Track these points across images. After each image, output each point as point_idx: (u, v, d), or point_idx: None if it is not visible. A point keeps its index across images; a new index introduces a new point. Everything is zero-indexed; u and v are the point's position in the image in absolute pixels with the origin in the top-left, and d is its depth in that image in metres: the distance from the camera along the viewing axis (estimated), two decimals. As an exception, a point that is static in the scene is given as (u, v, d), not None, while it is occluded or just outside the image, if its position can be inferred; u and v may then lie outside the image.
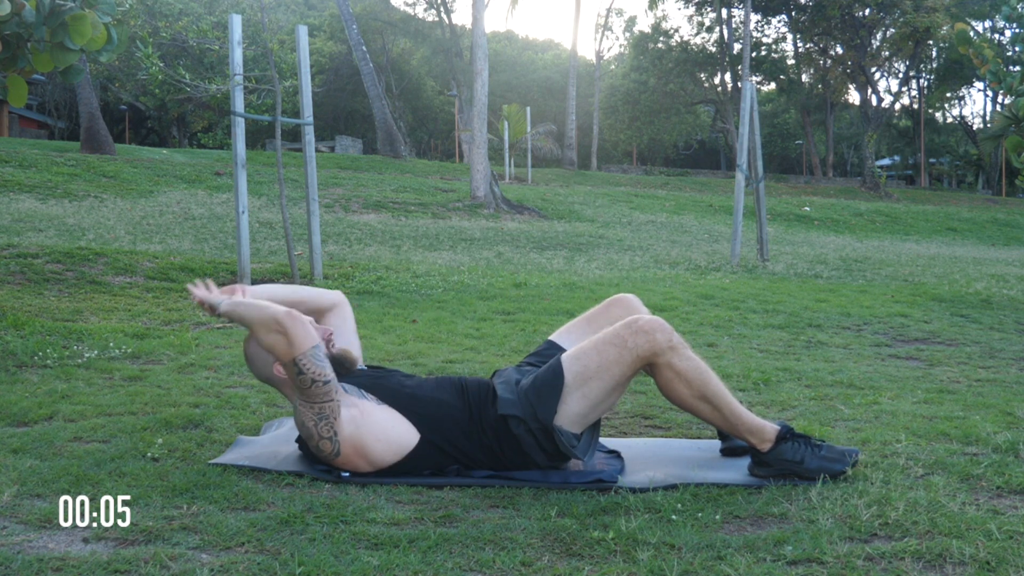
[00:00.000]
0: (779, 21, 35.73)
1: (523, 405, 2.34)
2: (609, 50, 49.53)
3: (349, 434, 2.31)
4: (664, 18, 62.16)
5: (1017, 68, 7.58)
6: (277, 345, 2.27)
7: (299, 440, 2.45)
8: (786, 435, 2.34)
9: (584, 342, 2.42)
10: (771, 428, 2.36)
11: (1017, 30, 7.77)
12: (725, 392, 2.35)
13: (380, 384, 2.46)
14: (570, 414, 2.32)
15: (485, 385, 2.48)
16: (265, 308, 2.31)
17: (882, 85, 41.91)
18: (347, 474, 2.38)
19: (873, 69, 32.06)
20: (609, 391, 2.34)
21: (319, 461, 2.37)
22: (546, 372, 2.37)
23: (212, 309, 2.40)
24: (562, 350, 2.57)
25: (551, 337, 2.72)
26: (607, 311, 2.67)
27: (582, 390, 2.32)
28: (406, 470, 2.36)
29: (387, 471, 2.36)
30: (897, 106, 37.52)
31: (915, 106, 39.17)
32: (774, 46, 36.13)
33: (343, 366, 2.47)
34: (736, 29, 34.24)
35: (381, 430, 2.34)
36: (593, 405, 2.34)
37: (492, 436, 2.37)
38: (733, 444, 2.58)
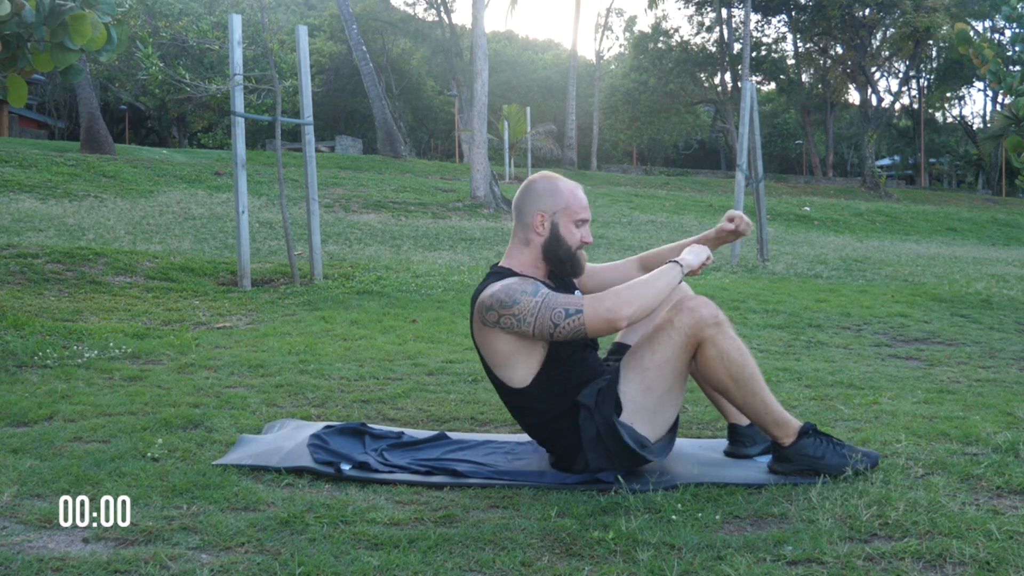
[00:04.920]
0: (779, 21, 35.75)
1: (595, 400, 2.37)
2: (609, 50, 49.53)
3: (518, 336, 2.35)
4: (664, 18, 62.25)
5: (1017, 68, 7.58)
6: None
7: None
8: (808, 431, 2.37)
9: (638, 339, 2.48)
10: (795, 424, 2.39)
11: (1017, 30, 7.77)
12: (760, 379, 2.38)
13: (593, 348, 2.54)
14: (636, 410, 2.34)
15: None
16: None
17: (882, 85, 41.89)
18: (348, 467, 2.40)
19: (873, 69, 32.04)
20: (670, 380, 2.36)
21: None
22: (612, 375, 2.42)
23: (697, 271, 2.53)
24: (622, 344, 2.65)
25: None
26: None
27: (644, 383, 2.35)
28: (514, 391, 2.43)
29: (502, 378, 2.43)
30: (897, 106, 37.53)
31: (915, 106, 39.16)
32: (774, 46, 36.13)
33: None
34: (736, 29, 34.23)
35: (528, 351, 2.38)
36: (657, 398, 2.36)
37: (564, 421, 2.40)
38: (738, 451, 2.61)
